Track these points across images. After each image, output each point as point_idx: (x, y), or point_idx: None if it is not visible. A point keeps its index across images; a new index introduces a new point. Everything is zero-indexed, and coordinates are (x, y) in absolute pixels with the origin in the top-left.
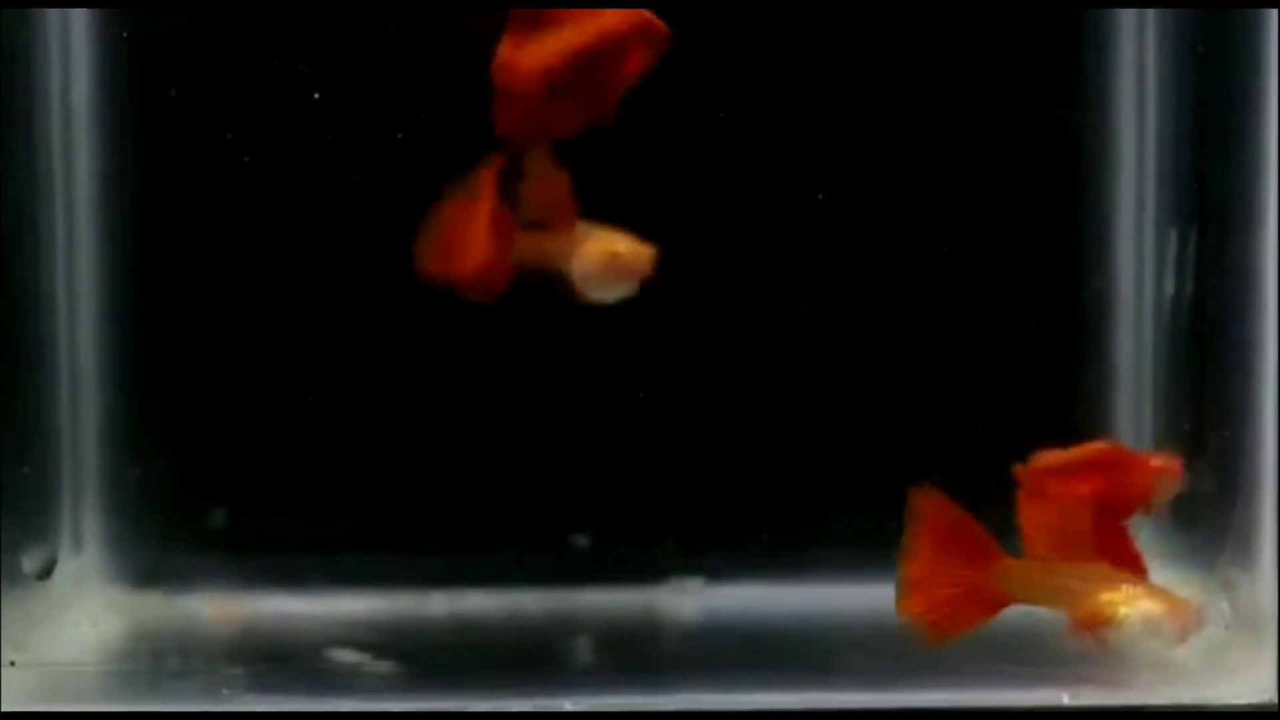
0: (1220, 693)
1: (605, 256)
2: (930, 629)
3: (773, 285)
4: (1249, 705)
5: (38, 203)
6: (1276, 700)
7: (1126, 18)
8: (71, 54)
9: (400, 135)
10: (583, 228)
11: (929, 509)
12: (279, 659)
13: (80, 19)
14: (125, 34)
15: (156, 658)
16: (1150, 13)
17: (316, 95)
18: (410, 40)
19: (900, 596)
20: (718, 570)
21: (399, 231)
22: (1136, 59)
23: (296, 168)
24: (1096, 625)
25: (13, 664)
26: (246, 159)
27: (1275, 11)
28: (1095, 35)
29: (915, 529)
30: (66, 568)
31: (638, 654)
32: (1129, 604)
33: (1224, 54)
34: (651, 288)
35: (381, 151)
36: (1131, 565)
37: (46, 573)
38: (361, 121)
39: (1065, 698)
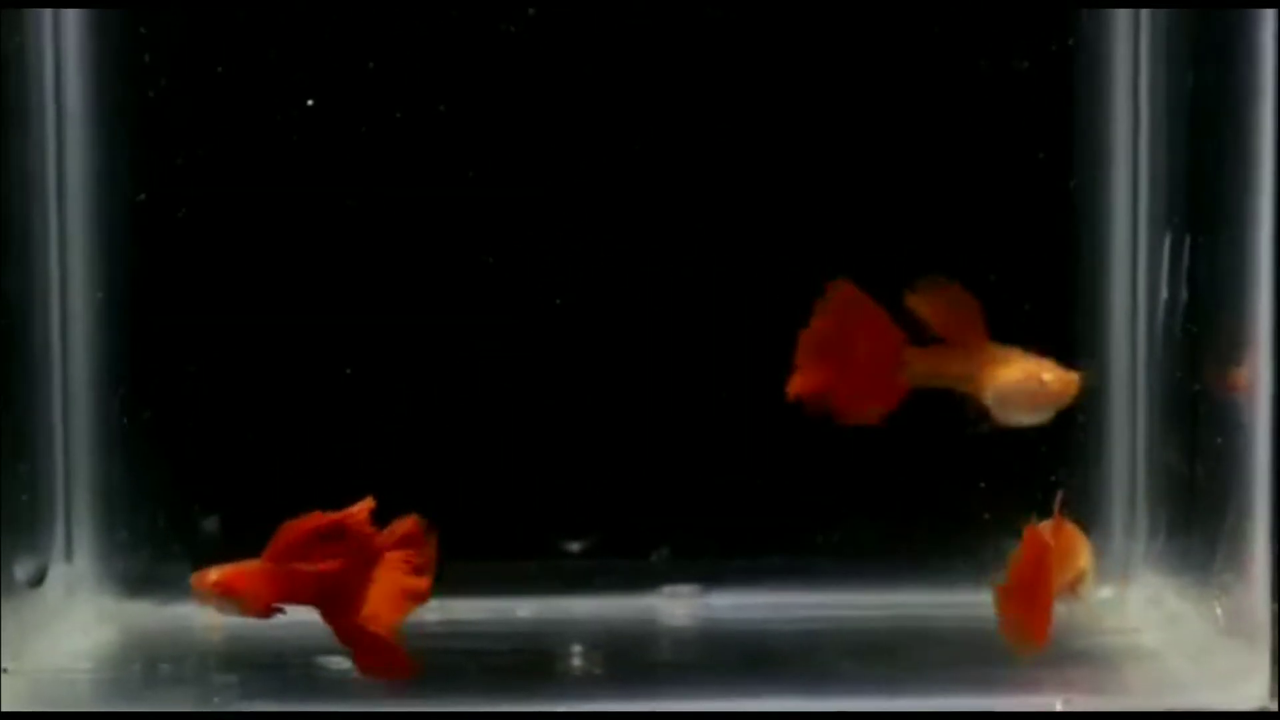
0: (1214, 700)
1: (1031, 383)
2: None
3: (769, 295)
4: (1248, 710)
5: (30, 209)
6: (1272, 706)
7: (1121, 23)
8: (64, 56)
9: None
10: (994, 350)
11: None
12: (271, 666)
13: (72, 22)
14: (150, 59)
15: (149, 665)
16: (1144, 17)
17: (310, 102)
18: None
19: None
20: (712, 577)
21: (393, 240)
22: (1130, 63)
23: (292, 176)
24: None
25: (5, 672)
26: (242, 165)
27: (1273, 12)
28: (1089, 38)
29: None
30: (58, 576)
31: (632, 661)
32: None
33: (1219, 56)
34: (649, 303)
35: (372, 159)
36: None
37: (38, 581)
38: (355, 127)
39: (1058, 704)
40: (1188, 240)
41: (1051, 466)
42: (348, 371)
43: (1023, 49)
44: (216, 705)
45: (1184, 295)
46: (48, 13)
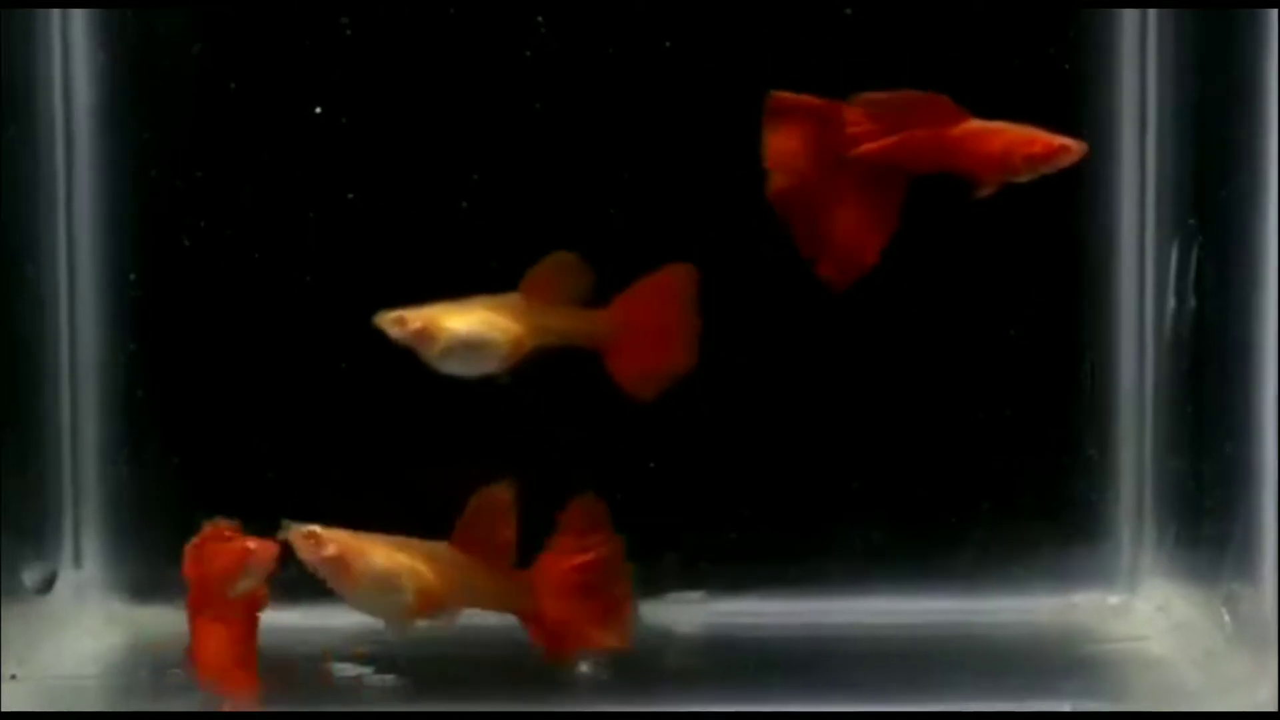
0: (1220, 707)
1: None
2: None
3: (770, 300)
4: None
5: (38, 217)
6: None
7: (1129, 32)
8: (72, 71)
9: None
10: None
11: None
12: (280, 672)
13: (80, 25)
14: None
15: (157, 671)
16: (1152, 26)
17: (318, 110)
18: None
19: None
20: (719, 584)
21: (402, 248)
22: (1137, 71)
23: (302, 180)
24: None
25: (14, 677)
26: (251, 172)
27: (1275, 12)
28: (1095, 48)
29: None
30: (67, 581)
31: (639, 667)
32: None
33: (1225, 65)
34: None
35: (383, 161)
36: None
37: (47, 587)
38: (363, 133)
39: (1067, 705)
40: (1196, 247)
41: (1060, 474)
42: (350, 372)
43: (1028, 55)
44: (226, 712)
45: (1191, 302)
46: (55, 14)
